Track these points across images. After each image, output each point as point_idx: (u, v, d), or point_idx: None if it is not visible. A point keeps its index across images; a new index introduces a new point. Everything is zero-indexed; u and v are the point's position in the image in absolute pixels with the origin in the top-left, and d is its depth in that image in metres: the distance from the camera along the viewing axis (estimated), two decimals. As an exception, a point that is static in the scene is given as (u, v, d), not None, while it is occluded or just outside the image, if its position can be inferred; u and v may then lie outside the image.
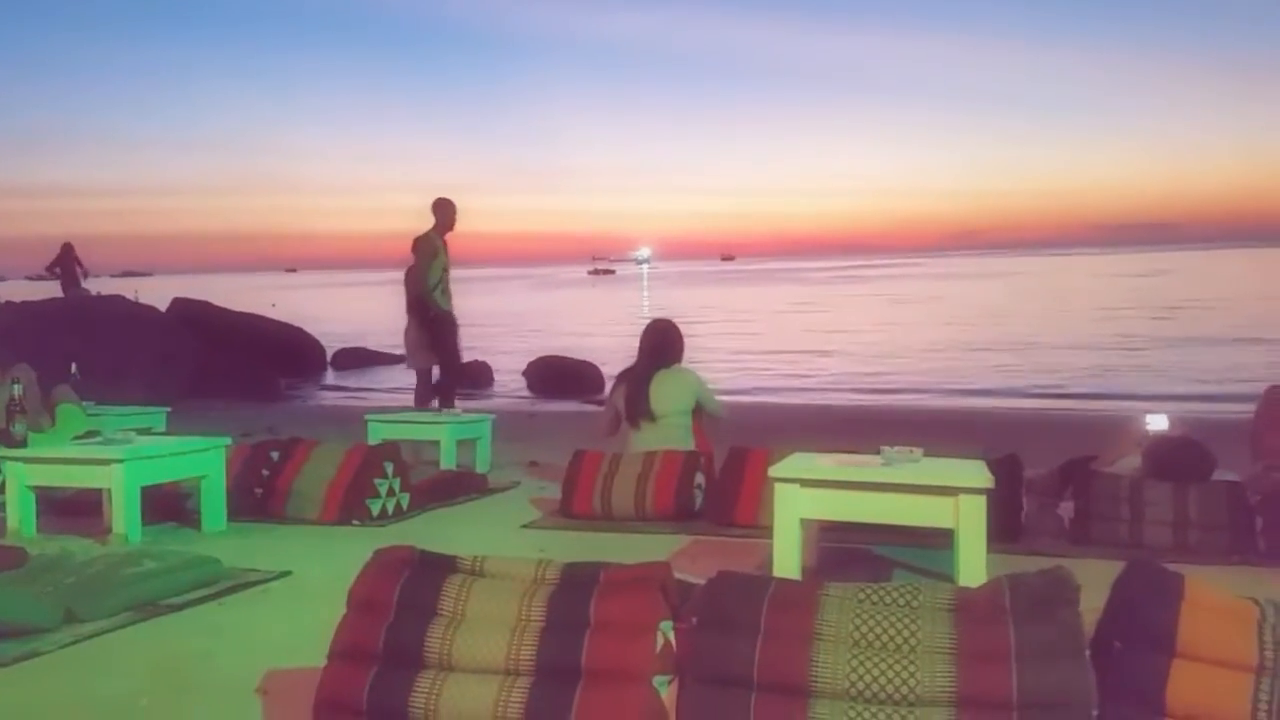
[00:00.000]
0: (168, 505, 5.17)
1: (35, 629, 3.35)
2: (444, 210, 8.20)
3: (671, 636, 2.26)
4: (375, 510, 5.20)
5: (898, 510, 3.80)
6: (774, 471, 3.90)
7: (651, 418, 5.44)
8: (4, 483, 5.01)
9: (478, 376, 15.16)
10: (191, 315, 15.53)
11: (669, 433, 5.43)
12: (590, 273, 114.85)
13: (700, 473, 5.22)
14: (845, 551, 4.41)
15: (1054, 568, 2.25)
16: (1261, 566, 4.19)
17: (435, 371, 8.33)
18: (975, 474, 3.73)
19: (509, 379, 15.64)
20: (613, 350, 15.51)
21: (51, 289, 15.43)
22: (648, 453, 5.29)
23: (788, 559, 3.81)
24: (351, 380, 16.71)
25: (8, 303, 14.38)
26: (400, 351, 20.39)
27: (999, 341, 20.59)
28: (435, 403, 8.16)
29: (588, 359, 15.50)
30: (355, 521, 5.11)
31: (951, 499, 3.66)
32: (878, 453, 3.98)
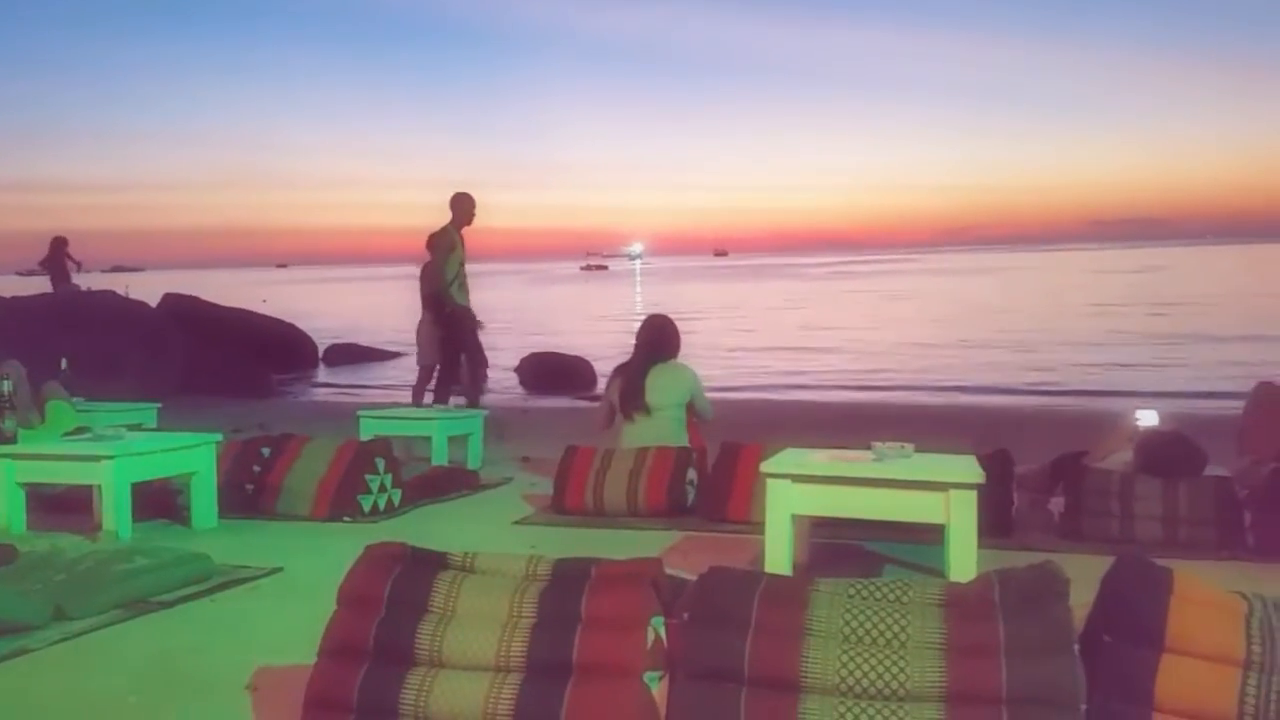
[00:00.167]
0: (158, 502, 5.15)
1: (24, 626, 3.34)
2: (462, 205, 8.23)
3: (663, 632, 2.26)
4: (367, 506, 5.20)
5: (889, 506, 3.81)
6: (766, 467, 3.91)
7: (646, 410, 5.45)
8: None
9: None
10: (182, 311, 15.47)
11: (663, 426, 5.44)
12: (583, 268, 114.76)
13: (692, 468, 5.23)
14: (837, 547, 4.42)
15: (1043, 563, 2.26)
16: (1250, 561, 4.21)
17: (459, 372, 8.34)
18: (966, 469, 3.74)
19: (501, 375, 15.61)
20: (606, 346, 15.50)
21: (42, 284, 15.36)
22: (640, 449, 5.29)
23: (779, 554, 3.81)
24: (343, 376, 16.68)
25: (-3, 298, 14.31)
26: (392, 348, 20.37)
27: (991, 337, 20.63)
28: (461, 399, 8.19)
29: (580, 355, 15.49)
30: (347, 518, 5.10)
31: (942, 494, 3.67)
32: (869, 448, 3.99)
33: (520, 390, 14.49)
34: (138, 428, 6.36)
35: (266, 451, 5.42)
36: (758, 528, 4.00)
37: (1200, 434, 4.82)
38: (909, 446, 3.99)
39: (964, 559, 3.60)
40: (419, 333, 8.46)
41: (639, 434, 5.43)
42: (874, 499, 3.78)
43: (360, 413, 7.01)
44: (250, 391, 12.61)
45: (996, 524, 4.40)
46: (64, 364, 6.91)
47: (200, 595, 3.83)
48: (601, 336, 20.02)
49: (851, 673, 2.09)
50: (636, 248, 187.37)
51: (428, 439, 6.63)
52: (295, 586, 3.98)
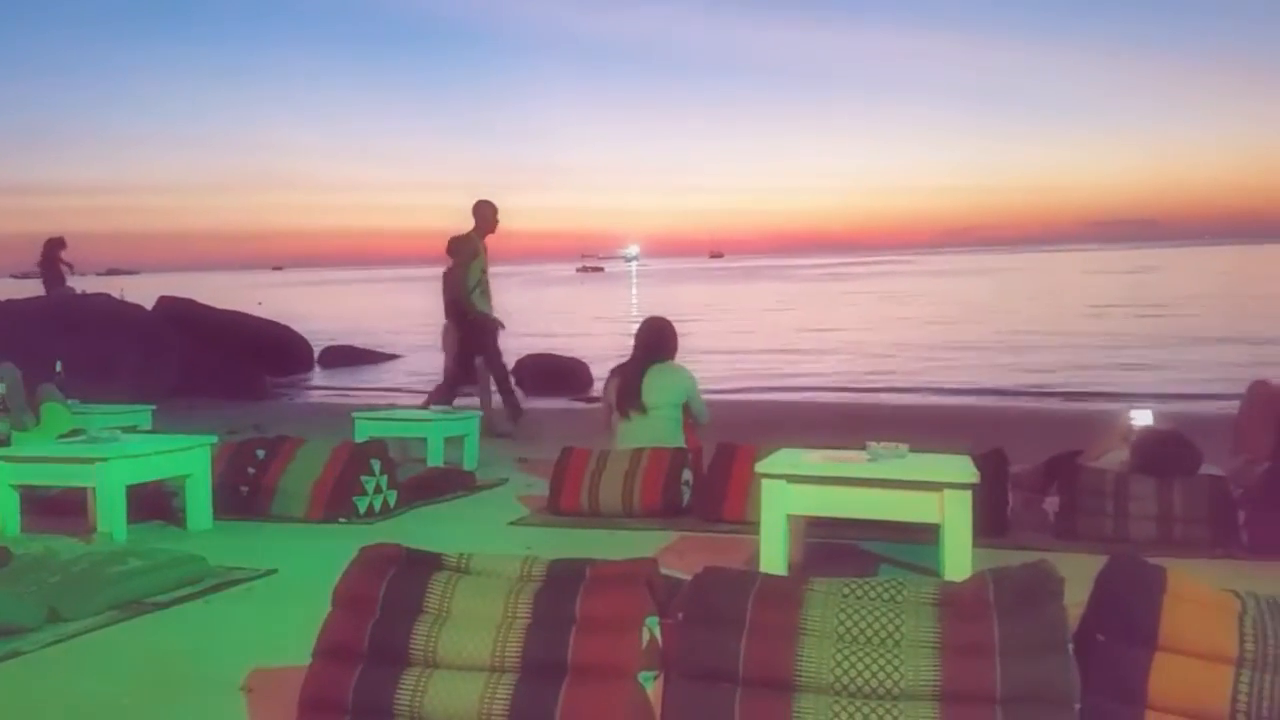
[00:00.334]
0: (153, 503, 5.15)
1: (18, 628, 3.34)
2: (485, 212, 8.29)
3: (657, 632, 2.26)
4: (362, 508, 5.19)
5: (884, 506, 3.81)
6: (761, 467, 3.91)
7: (642, 410, 5.47)
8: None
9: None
10: (177, 313, 15.44)
11: (659, 425, 5.45)
12: (579, 270, 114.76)
13: (688, 469, 5.23)
14: (832, 547, 4.43)
15: (1037, 562, 2.26)
16: (1244, 560, 4.22)
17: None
18: (961, 469, 3.74)
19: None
20: (602, 348, 15.50)
21: (37, 287, 15.32)
22: (635, 449, 5.30)
23: (774, 554, 3.82)
24: (339, 378, 16.66)
25: (-8, 301, 14.28)
26: (388, 350, 20.29)
27: (987, 338, 20.64)
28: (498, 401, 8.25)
29: (576, 356, 15.49)
30: (342, 519, 5.10)
31: (937, 494, 3.67)
32: (864, 449, 3.99)
33: (516, 391, 14.45)
34: (133, 430, 6.35)
35: (261, 453, 5.42)
36: (753, 528, 4.00)
37: (1195, 433, 4.83)
38: (904, 447, 3.99)
39: (959, 558, 3.61)
40: (445, 339, 8.53)
41: (635, 433, 5.44)
42: (869, 499, 3.79)
43: (355, 414, 7.01)
44: (245, 394, 12.59)
45: (991, 523, 4.40)
46: (59, 366, 6.90)
47: (195, 597, 3.83)
48: (598, 339, 20.02)
49: (846, 672, 2.10)
50: (633, 250, 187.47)
51: (423, 440, 6.62)
52: (290, 588, 3.97)
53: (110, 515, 4.60)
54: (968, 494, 3.65)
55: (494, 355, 8.40)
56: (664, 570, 2.45)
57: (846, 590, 2.25)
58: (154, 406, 7.63)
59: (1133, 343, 18.78)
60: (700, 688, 2.18)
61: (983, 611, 2.16)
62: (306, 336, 18.16)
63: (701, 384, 5.81)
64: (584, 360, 14.89)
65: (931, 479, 3.71)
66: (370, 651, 2.30)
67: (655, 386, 5.50)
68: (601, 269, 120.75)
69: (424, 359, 19.13)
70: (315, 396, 14.47)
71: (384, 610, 2.34)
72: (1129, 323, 23.33)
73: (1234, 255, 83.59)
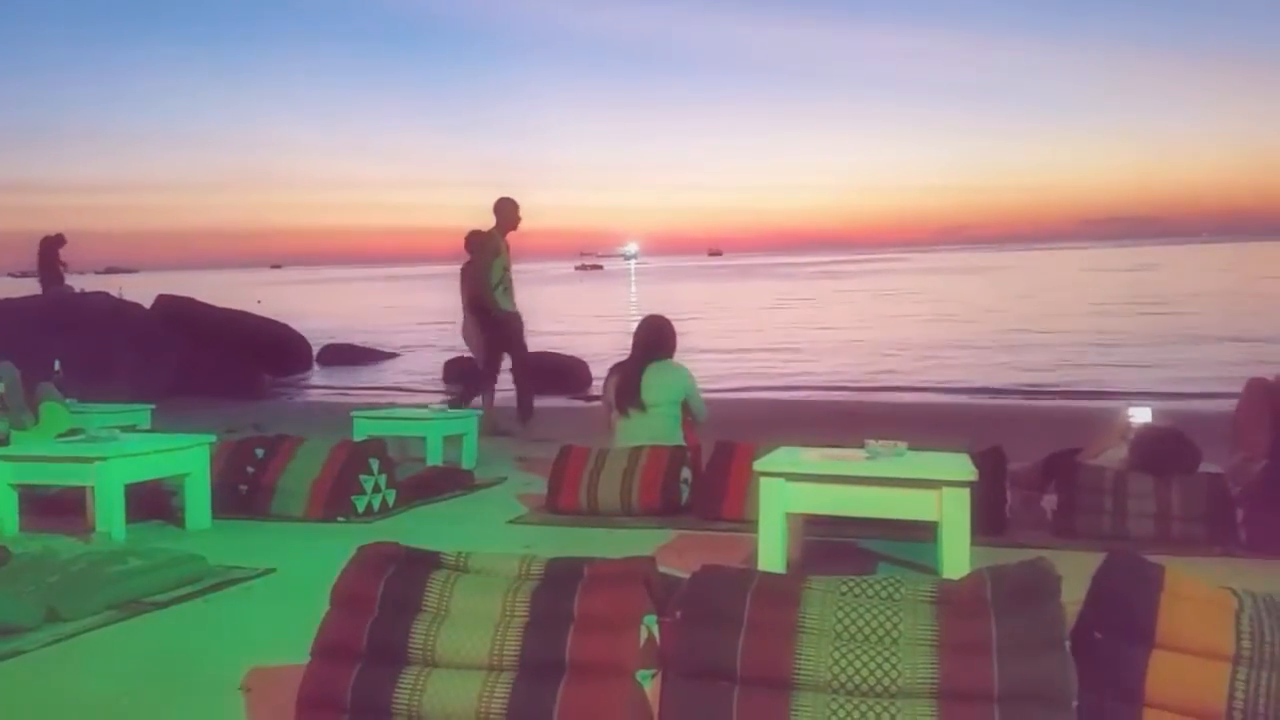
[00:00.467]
0: (152, 503, 5.15)
1: (17, 628, 3.34)
2: (506, 210, 8.32)
3: (655, 631, 2.26)
4: (361, 507, 5.19)
5: (882, 504, 3.81)
6: (759, 465, 3.91)
7: (641, 407, 5.47)
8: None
9: (466, 373, 15.15)
10: (176, 312, 15.44)
11: (657, 423, 5.46)
12: (577, 268, 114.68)
13: (687, 467, 5.24)
14: (831, 545, 4.43)
15: (1035, 559, 2.26)
16: (1242, 557, 4.23)
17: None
18: (959, 467, 3.75)
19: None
20: (601, 346, 15.50)
21: (36, 285, 15.30)
22: (634, 448, 5.30)
23: (773, 553, 3.82)
24: (338, 377, 16.66)
25: (-9, 299, 14.28)
26: (388, 349, 20.27)
27: (983, 336, 20.65)
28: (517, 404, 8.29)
29: (575, 355, 15.49)
30: (341, 518, 5.10)
31: (935, 492, 3.67)
32: (862, 447, 4.00)
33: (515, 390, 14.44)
34: (131, 429, 6.36)
35: (260, 452, 5.42)
36: (752, 526, 4.00)
37: (1194, 431, 4.84)
38: (902, 444, 4.00)
39: (957, 556, 3.61)
40: (466, 336, 8.55)
41: (634, 430, 5.45)
42: (867, 497, 3.79)
43: (354, 413, 7.01)
44: (244, 392, 12.59)
45: (989, 521, 4.41)
46: (57, 366, 6.90)
47: (194, 596, 3.83)
48: (597, 337, 20.02)
49: (844, 670, 2.10)
50: (631, 248, 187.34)
51: (422, 439, 6.63)
52: (289, 587, 3.98)
53: (109, 514, 4.60)
54: (966, 492, 3.66)
55: (520, 353, 8.43)
56: (662, 569, 2.46)
57: (844, 588, 2.25)
58: (153, 405, 7.63)
59: (1130, 340, 18.79)
60: (698, 686, 2.18)
61: (980, 609, 2.16)
62: (305, 335, 18.16)
63: (700, 382, 5.82)
64: (583, 359, 14.89)
65: (930, 477, 3.71)
66: (368, 650, 2.30)
67: (654, 384, 5.51)
68: (600, 267, 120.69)
69: (423, 357, 19.14)
70: (314, 395, 14.46)
71: (382, 609, 2.35)
72: (1126, 320, 23.34)
73: (1231, 253, 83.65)
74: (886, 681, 2.07)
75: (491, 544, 4.45)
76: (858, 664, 2.10)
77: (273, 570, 4.17)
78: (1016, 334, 20.78)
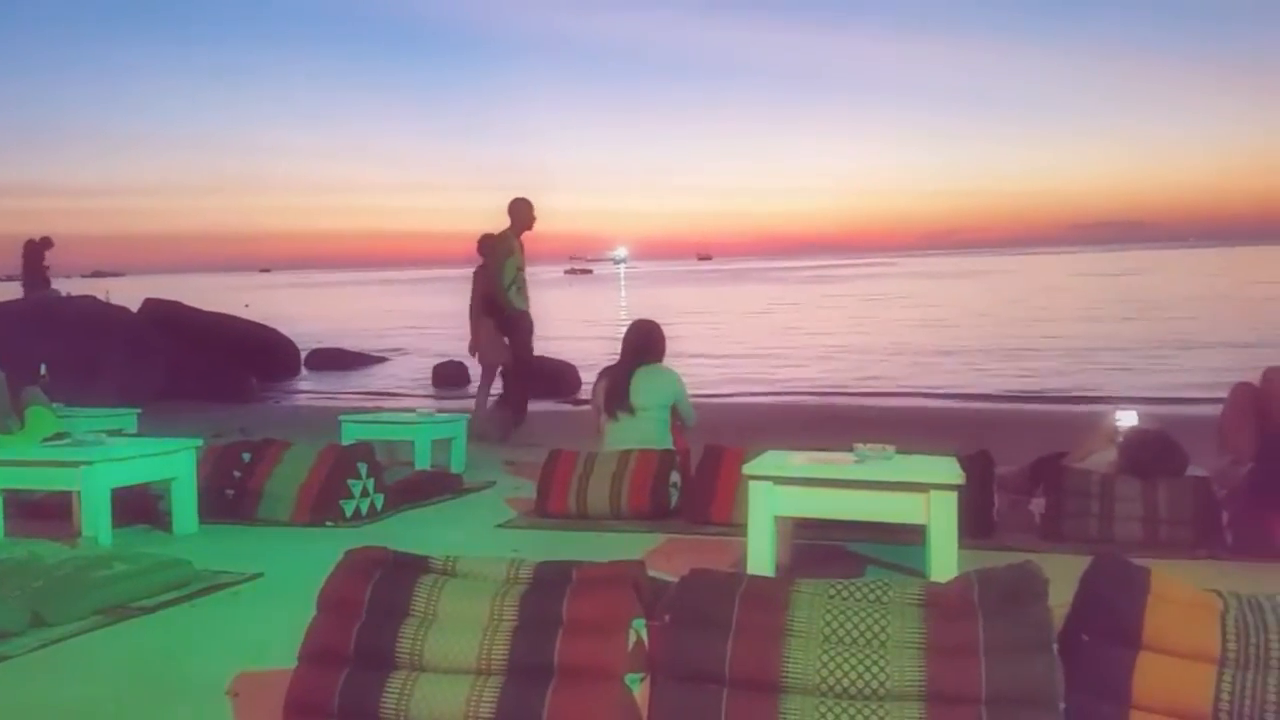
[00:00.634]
0: (139, 507, 5.12)
1: (1, 634, 3.32)
2: (521, 210, 8.34)
3: (644, 634, 2.26)
4: (349, 511, 5.18)
5: (870, 507, 3.83)
6: (748, 469, 3.92)
7: (630, 411, 5.47)
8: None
9: (454, 377, 15.15)
10: (163, 316, 15.37)
11: (646, 426, 5.46)
12: (567, 272, 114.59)
13: (676, 471, 5.24)
14: (819, 548, 4.44)
15: (1022, 563, 2.27)
16: (1227, 560, 4.25)
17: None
18: (947, 471, 3.76)
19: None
20: (590, 350, 15.49)
21: (22, 289, 15.22)
22: (623, 451, 5.30)
23: (761, 556, 3.82)
24: (325, 381, 16.61)
25: (-25, 303, 14.20)
26: (377, 353, 20.22)
27: (972, 340, 20.71)
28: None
29: (565, 359, 15.48)
30: (328, 523, 5.08)
31: (923, 495, 3.69)
32: (851, 450, 4.01)
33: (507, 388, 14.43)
34: (118, 433, 6.32)
35: (247, 456, 5.40)
36: (741, 530, 4.01)
37: (1182, 435, 4.86)
38: (890, 448, 4.01)
39: (945, 559, 3.62)
40: (474, 347, 8.55)
41: (623, 434, 5.45)
42: (855, 500, 3.80)
43: (342, 417, 6.99)
44: (231, 396, 12.54)
45: (977, 525, 4.42)
46: (43, 369, 6.86)
47: (181, 601, 3.81)
48: (586, 343, 20.00)
49: (832, 673, 2.10)
50: (621, 252, 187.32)
51: (410, 443, 6.61)
52: (276, 591, 3.96)
53: (95, 519, 4.58)
54: (953, 495, 3.67)
55: (524, 353, 8.43)
56: (651, 572, 2.45)
57: (832, 591, 2.25)
58: (139, 410, 7.60)
59: (1118, 345, 18.86)
60: (687, 689, 2.18)
61: (968, 612, 2.16)
62: (293, 339, 18.11)
63: (689, 386, 5.83)
64: (572, 363, 14.88)
65: (917, 480, 3.72)
66: (356, 655, 2.30)
67: (643, 388, 5.51)
68: (590, 271, 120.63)
69: (412, 362, 19.11)
70: (301, 399, 14.42)
71: (370, 613, 2.34)
72: (1114, 325, 23.44)
73: (1218, 257, 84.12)
74: (874, 684, 2.08)
75: (480, 548, 4.44)
76: (846, 667, 2.10)
77: (260, 575, 4.15)
78: (1005, 338, 20.85)
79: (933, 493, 3.67)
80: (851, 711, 2.07)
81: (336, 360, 18.79)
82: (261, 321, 18.37)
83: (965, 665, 2.07)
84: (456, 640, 2.26)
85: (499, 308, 8.23)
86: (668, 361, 5.77)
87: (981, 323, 25.77)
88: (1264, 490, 4.35)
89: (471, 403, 8.63)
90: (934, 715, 2.05)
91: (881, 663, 2.09)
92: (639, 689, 2.22)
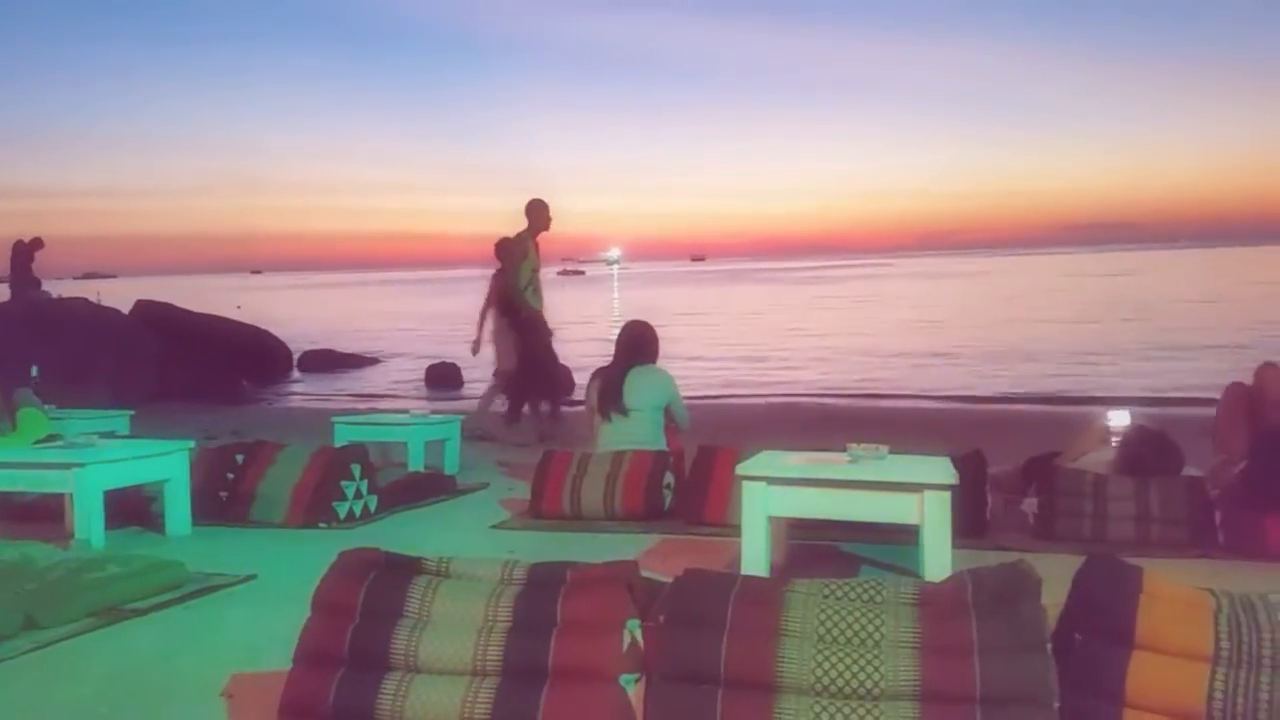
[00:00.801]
0: (131, 509, 5.11)
1: (-6, 636, 3.31)
2: (537, 212, 8.36)
3: (639, 635, 2.26)
4: (342, 513, 5.17)
5: (864, 507, 3.83)
6: (741, 470, 3.92)
7: (624, 412, 5.47)
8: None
9: (447, 378, 15.13)
10: (155, 317, 15.33)
11: (640, 427, 5.46)
12: (560, 273, 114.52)
13: (669, 472, 5.24)
14: (813, 549, 4.44)
15: (1016, 562, 2.28)
16: (1220, 559, 4.27)
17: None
18: (940, 471, 3.77)
19: (479, 380, 15.54)
20: (584, 352, 15.48)
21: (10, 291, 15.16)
22: (617, 452, 5.30)
23: (756, 556, 3.83)
24: (318, 383, 16.59)
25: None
26: (370, 354, 20.19)
27: (965, 341, 20.75)
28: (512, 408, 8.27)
29: (559, 361, 15.46)
30: (322, 524, 5.07)
31: (917, 496, 3.69)
32: (844, 451, 4.01)
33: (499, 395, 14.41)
34: (110, 435, 6.31)
35: (240, 458, 5.39)
36: (735, 530, 4.01)
37: (1175, 436, 4.88)
38: (884, 448, 4.02)
39: (938, 559, 3.63)
40: (495, 339, 8.55)
41: (616, 435, 5.45)
42: (849, 501, 3.80)
43: (335, 418, 6.98)
44: (224, 398, 12.53)
45: (971, 525, 4.43)
46: (35, 371, 6.84)
47: (174, 603, 3.80)
48: (579, 344, 20.01)
49: (827, 672, 2.10)
50: (614, 253, 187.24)
51: (404, 444, 6.60)
52: (270, 593, 3.95)
53: (88, 521, 4.56)
54: (947, 495, 3.67)
55: (542, 353, 8.43)
56: (645, 573, 2.46)
57: (827, 591, 2.26)
58: (132, 411, 7.58)
59: (1111, 345, 18.92)
60: (682, 690, 2.18)
61: (962, 611, 2.17)
62: (286, 341, 18.08)
63: (683, 387, 5.83)
64: (565, 364, 14.88)
65: (911, 480, 3.73)
66: (350, 656, 2.29)
67: (636, 389, 5.51)
68: (583, 272, 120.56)
69: (405, 363, 19.08)
70: (294, 401, 14.39)
71: (364, 615, 2.34)
72: (1107, 326, 23.50)
73: (1211, 258, 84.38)
74: (869, 684, 2.08)
75: (474, 549, 4.44)
76: (840, 667, 2.10)
77: (253, 576, 4.14)
78: (998, 339, 20.89)
79: (926, 493, 3.67)
80: (846, 711, 2.07)
81: (329, 362, 18.77)
82: (254, 323, 18.34)
83: (959, 665, 2.08)
84: (451, 641, 2.26)
85: (515, 309, 8.25)
86: (661, 363, 5.77)
87: (975, 323, 25.83)
88: (1256, 489, 4.37)
89: (467, 403, 8.63)
90: (928, 715, 2.05)
91: (876, 662, 2.10)
92: (634, 689, 2.22)
